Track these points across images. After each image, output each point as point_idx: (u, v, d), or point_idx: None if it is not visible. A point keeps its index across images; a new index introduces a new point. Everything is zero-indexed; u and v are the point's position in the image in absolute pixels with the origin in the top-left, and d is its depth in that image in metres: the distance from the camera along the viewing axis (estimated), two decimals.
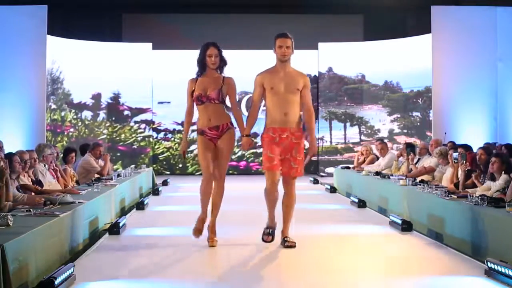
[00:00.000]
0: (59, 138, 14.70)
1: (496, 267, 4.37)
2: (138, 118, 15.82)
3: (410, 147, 9.62)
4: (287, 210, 5.81)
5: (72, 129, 15.08)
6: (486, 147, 7.55)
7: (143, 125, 15.84)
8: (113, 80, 15.40)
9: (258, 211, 6.66)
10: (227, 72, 5.93)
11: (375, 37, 15.41)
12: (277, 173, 5.66)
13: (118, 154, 15.55)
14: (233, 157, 15.37)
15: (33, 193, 6.20)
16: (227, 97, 5.84)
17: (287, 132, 5.62)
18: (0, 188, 5.11)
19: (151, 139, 15.88)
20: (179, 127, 15.92)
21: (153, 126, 15.91)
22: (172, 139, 16.04)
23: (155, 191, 10.70)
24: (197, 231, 5.83)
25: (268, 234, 5.81)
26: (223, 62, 5.85)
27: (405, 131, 15.36)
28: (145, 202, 8.64)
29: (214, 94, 5.74)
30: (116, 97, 15.65)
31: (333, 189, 11.06)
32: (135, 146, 15.77)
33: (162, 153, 16.06)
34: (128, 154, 15.65)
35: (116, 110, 15.68)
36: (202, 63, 5.82)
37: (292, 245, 5.65)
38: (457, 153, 7.39)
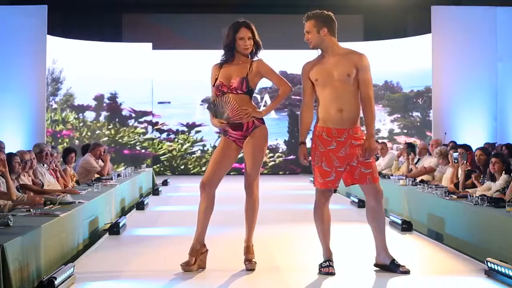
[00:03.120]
0: (60, 140, 14.70)
1: (496, 267, 4.36)
2: (140, 120, 15.81)
3: (410, 147, 9.62)
4: (378, 226, 4.70)
5: (73, 131, 15.06)
6: (484, 147, 7.56)
7: (144, 126, 15.82)
8: (113, 80, 15.38)
9: (259, 211, 6.64)
10: None
11: (375, 37, 15.39)
12: (331, 191, 4.73)
13: (120, 156, 15.52)
14: None
15: (33, 193, 6.20)
16: (271, 80, 4.79)
17: (345, 134, 4.52)
18: None
19: (154, 140, 15.86)
20: (183, 128, 15.93)
21: (157, 127, 15.90)
22: (175, 139, 16.02)
23: (155, 191, 10.70)
24: (188, 264, 4.72)
25: (328, 267, 4.62)
26: (256, 46, 4.72)
27: (405, 131, 15.35)
28: (145, 202, 8.64)
29: (236, 82, 4.65)
30: (115, 97, 15.64)
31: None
32: (137, 148, 15.75)
33: (164, 154, 16.04)
34: (129, 156, 15.62)
35: (117, 112, 15.67)
36: (230, 48, 4.73)
37: (406, 271, 4.60)
38: (457, 153, 7.40)
